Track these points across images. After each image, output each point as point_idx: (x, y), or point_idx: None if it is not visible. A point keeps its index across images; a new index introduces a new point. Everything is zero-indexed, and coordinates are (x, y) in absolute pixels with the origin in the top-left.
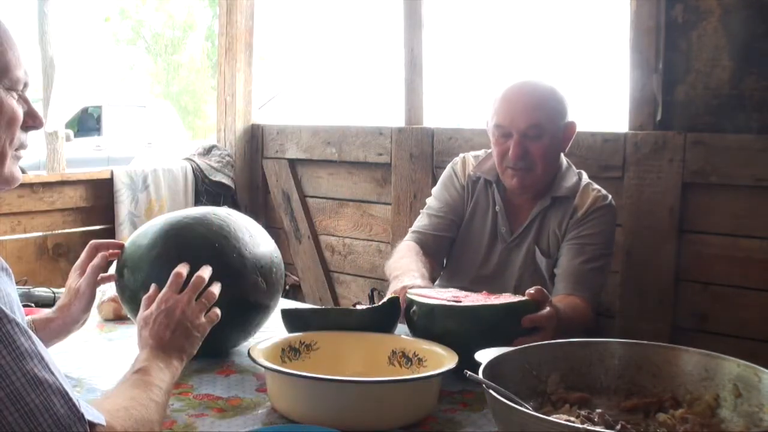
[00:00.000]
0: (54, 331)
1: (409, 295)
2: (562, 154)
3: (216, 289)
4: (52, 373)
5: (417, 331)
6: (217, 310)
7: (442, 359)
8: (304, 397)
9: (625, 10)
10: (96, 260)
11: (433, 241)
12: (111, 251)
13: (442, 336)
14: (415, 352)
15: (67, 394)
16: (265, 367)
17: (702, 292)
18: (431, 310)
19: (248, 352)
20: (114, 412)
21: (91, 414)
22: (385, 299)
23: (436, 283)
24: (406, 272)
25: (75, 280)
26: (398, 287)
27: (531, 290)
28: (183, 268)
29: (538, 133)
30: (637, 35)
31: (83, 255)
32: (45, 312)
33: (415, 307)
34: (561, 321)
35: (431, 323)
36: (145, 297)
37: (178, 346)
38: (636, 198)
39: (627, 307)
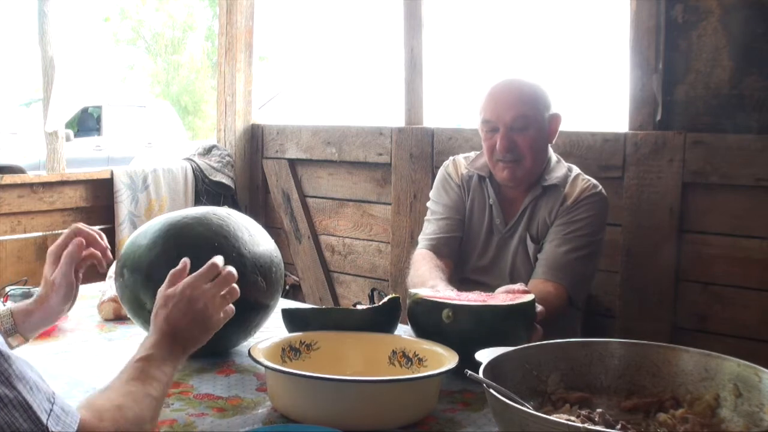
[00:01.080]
0: (35, 324)
1: (426, 299)
2: (550, 149)
3: (237, 287)
4: (14, 388)
5: (448, 335)
6: (233, 307)
7: (442, 359)
8: (304, 396)
9: (625, 10)
10: (70, 248)
11: (445, 243)
12: (92, 251)
13: (477, 336)
14: (415, 352)
15: (30, 407)
16: (265, 367)
17: (702, 292)
18: (476, 312)
19: (248, 352)
20: (104, 412)
21: (61, 424)
22: (385, 299)
23: None
24: (424, 285)
25: (50, 269)
26: None
27: (527, 287)
28: (219, 260)
29: (523, 125)
30: (637, 35)
31: (61, 238)
32: (24, 303)
33: (447, 310)
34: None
35: (473, 325)
36: (172, 272)
37: (190, 337)
38: (636, 198)
39: (627, 307)
